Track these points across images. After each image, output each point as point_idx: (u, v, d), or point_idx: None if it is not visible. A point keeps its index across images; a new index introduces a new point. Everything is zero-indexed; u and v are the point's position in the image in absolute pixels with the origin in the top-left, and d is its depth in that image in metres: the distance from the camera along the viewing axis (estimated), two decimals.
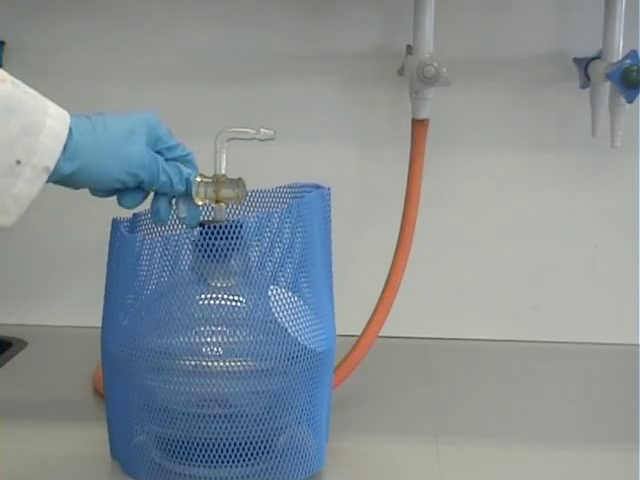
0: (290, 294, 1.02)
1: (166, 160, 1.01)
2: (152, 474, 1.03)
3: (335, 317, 1.09)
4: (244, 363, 1.00)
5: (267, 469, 1.03)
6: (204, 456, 1.01)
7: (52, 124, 0.94)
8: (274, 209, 1.12)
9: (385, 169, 1.47)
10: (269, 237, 1.04)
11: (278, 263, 1.04)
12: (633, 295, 1.46)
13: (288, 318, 1.01)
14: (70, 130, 0.95)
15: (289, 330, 1.01)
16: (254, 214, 1.12)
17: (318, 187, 1.10)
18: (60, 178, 0.96)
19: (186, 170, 1.02)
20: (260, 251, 1.04)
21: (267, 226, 1.04)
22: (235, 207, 1.12)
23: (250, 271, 1.04)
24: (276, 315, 1.01)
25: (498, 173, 1.48)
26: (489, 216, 1.49)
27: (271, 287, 1.03)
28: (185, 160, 1.02)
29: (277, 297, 1.02)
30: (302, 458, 1.03)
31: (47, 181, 0.94)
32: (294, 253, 1.05)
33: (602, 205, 1.48)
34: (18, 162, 0.92)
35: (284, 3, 1.45)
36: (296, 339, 1.01)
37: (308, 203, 1.06)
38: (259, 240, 1.04)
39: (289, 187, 1.13)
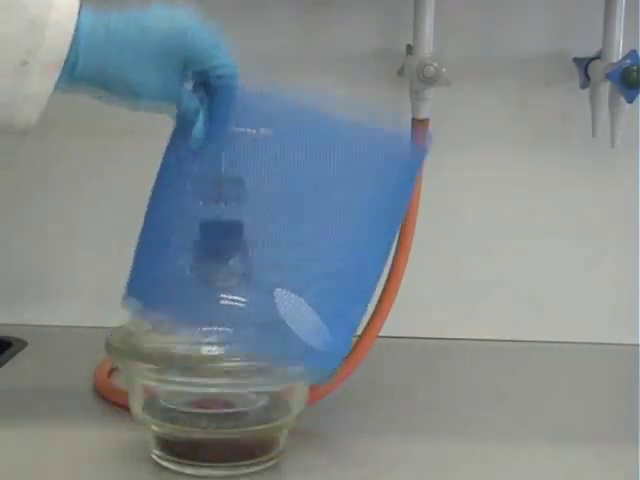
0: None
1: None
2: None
3: None
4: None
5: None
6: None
7: (56, 17, 0.89)
8: None
9: None
10: None
11: None
12: (633, 295, 1.46)
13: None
14: (81, 24, 0.90)
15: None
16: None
17: None
18: (80, 79, 0.91)
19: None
20: None
21: None
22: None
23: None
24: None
25: (498, 173, 1.48)
26: (489, 216, 1.49)
27: None
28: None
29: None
30: None
31: (70, 87, 0.91)
32: None
33: (602, 205, 1.47)
34: (24, 63, 0.88)
35: (284, 3, 1.45)
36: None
37: None
38: None
39: None
